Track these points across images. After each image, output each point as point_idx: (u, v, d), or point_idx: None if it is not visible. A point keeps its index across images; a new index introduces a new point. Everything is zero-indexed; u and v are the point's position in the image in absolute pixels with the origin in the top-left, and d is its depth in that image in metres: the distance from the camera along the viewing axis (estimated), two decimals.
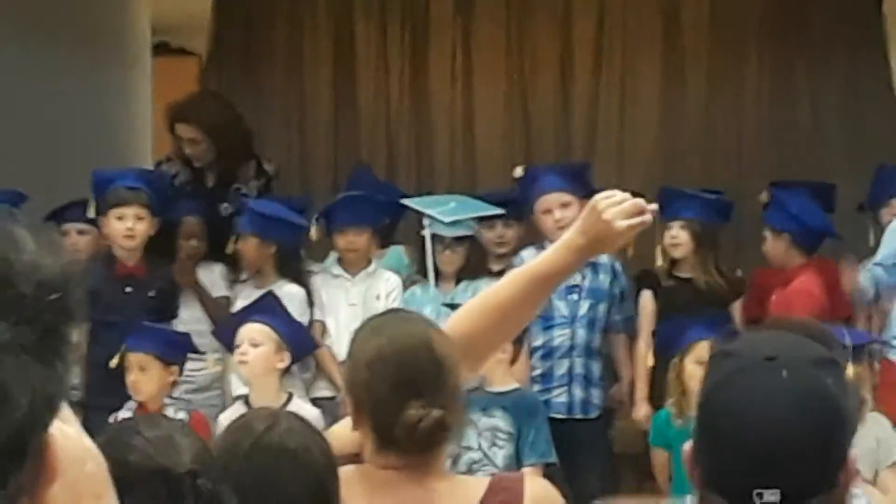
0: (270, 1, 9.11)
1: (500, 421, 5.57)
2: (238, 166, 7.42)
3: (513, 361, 5.74)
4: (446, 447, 2.75)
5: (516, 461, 5.62)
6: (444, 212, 6.39)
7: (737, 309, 6.74)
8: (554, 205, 6.50)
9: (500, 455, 5.55)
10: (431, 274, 6.35)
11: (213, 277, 6.86)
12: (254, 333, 5.85)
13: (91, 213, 6.74)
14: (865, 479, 4.77)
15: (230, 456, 2.50)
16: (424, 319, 2.93)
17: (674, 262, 6.74)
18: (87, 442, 1.17)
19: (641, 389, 6.58)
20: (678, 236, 6.68)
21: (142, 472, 2.22)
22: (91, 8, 7.86)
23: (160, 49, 9.59)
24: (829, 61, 8.84)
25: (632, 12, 9.02)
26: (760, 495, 1.85)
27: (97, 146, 7.54)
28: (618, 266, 6.66)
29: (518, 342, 5.54)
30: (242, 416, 2.81)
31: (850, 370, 4.59)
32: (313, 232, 6.86)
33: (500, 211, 6.58)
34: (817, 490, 1.88)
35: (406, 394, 2.64)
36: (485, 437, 5.54)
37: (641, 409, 6.53)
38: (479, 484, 2.82)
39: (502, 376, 5.68)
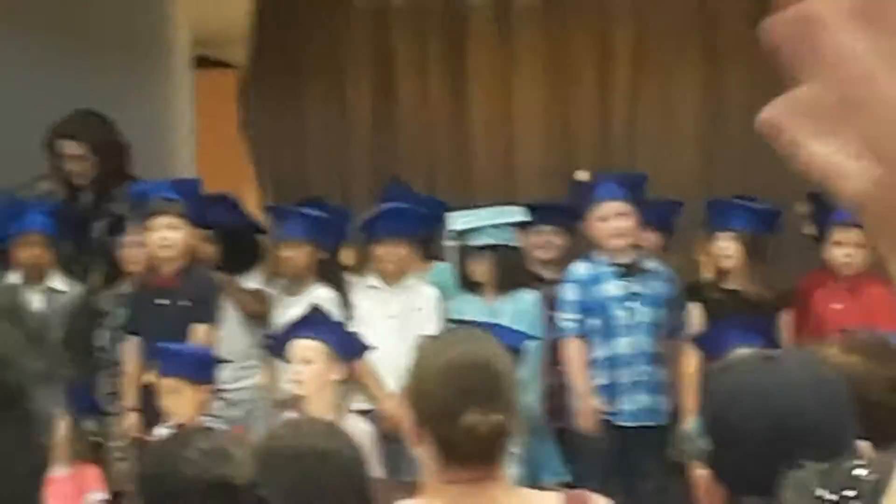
0: (309, 14, 9.12)
1: None
2: (115, 186, 7.31)
3: None
4: (505, 459, 2.79)
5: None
6: (466, 221, 6.41)
7: (785, 320, 6.62)
8: (611, 213, 6.46)
9: None
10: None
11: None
12: (305, 351, 5.74)
13: (129, 228, 6.74)
14: None
15: (269, 463, 2.51)
16: (489, 337, 3.04)
17: (721, 274, 6.65)
18: None
19: (690, 401, 6.52)
20: (728, 247, 6.59)
21: (199, 485, 2.20)
22: (133, 21, 7.91)
23: (200, 62, 9.63)
24: None
25: (671, 21, 8.99)
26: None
27: (142, 155, 7.57)
28: (670, 272, 6.63)
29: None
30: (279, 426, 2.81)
31: None
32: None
33: (526, 218, 6.55)
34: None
35: (467, 400, 2.71)
36: None
37: (690, 422, 6.46)
38: (552, 499, 2.88)
39: None
